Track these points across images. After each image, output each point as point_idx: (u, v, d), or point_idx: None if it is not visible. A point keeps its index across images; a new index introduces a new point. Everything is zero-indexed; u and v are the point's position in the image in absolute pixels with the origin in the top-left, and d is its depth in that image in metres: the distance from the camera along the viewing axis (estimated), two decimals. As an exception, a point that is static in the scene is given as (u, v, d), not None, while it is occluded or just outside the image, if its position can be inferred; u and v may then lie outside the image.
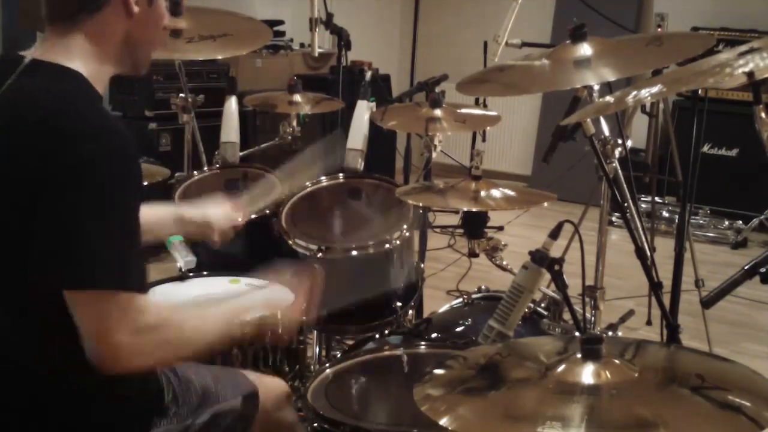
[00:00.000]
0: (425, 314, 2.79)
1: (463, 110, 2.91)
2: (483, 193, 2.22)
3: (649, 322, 3.78)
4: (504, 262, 2.37)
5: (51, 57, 1.44)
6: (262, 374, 1.89)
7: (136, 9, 1.47)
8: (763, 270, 1.55)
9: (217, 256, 2.57)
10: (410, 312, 2.58)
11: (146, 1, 1.49)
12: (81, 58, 1.45)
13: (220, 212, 2.03)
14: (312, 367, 2.49)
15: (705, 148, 5.37)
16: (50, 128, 1.35)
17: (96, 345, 1.33)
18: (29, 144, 1.35)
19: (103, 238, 1.33)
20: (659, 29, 3.83)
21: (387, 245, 2.40)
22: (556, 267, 1.92)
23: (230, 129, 2.89)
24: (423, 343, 2.07)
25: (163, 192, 2.94)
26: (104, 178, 1.34)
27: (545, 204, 2.28)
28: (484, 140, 5.31)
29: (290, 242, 2.46)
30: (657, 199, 4.74)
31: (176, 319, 1.46)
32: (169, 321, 1.43)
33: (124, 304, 1.34)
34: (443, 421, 1.20)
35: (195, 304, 1.75)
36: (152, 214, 1.83)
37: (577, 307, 2.11)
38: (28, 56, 1.45)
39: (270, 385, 1.82)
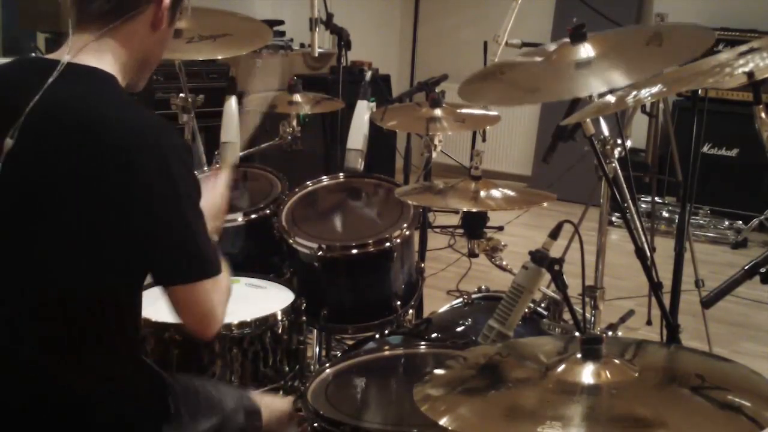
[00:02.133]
0: (425, 314, 2.79)
1: (463, 110, 2.91)
2: (483, 193, 2.22)
3: (649, 322, 3.78)
4: (504, 262, 2.37)
5: (84, 60, 1.45)
6: (266, 394, 1.90)
7: (161, 27, 1.49)
8: (763, 270, 1.55)
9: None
10: (410, 312, 2.58)
11: (169, 20, 1.51)
12: (112, 61, 1.47)
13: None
14: (312, 367, 2.49)
15: (705, 148, 5.37)
16: (104, 134, 1.37)
17: (204, 325, 1.49)
18: (84, 152, 1.37)
19: (199, 231, 1.44)
20: (659, 29, 3.83)
21: (387, 244, 2.40)
22: (556, 267, 1.92)
23: (230, 129, 2.88)
24: (423, 343, 2.07)
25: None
26: (181, 174, 1.40)
27: (545, 204, 2.28)
28: (484, 140, 5.28)
29: (290, 241, 2.46)
30: (657, 199, 4.74)
31: (228, 282, 1.56)
32: (230, 287, 1.56)
33: (221, 285, 1.49)
34: (443, 421, 1.20)
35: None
36: None
37: (577, 307, 2.11)
38: (62, 60, 1.44)
39: (273, 405, 1.83)
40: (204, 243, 1.45)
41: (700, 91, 3.25)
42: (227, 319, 2.05)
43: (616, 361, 1.27)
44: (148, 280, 1.50)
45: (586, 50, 2.08)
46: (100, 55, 1.45)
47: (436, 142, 2.83)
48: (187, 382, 1.69)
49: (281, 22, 5.43)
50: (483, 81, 2.29)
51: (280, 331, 2.17)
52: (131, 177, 1.36)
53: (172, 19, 1.52)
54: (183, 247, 1.43)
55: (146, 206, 1.38)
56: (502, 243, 2.36)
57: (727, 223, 5.35)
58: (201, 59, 4.12)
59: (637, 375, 1.25)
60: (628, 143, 2.37)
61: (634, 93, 1.82)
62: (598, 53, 2.07)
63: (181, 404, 1.62)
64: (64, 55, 1.44)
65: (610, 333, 2.21)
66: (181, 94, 3.20)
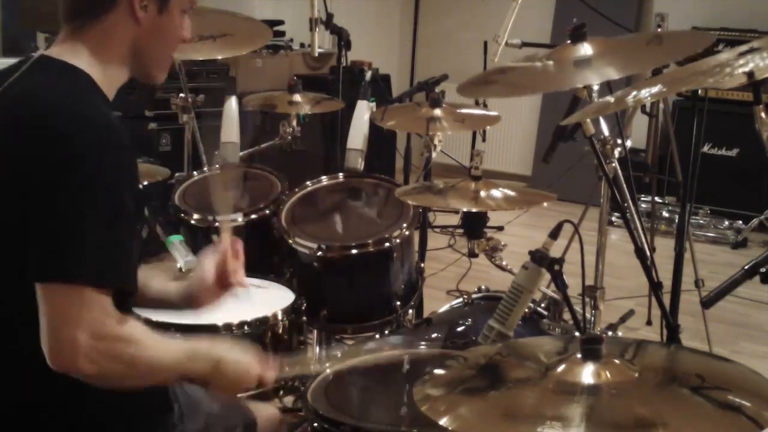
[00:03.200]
0: (425, 314, 2.79)
1: (463, 110, 2.91)
2: (483, 193, 2.22)
3: (649, 322, 3.78)
4: (504, 262, 2.37)
5: (59, 55, 1.46)
6: (256, 401, 1.89)
7: (140, 14, 1.47)
8: (763, 270, 1.55)
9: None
10: (410, 312, 2.58)
11: (155, 10, 1.49)
12: (87, 58, 1.46)
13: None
14: (312, 367, 2.49)
15: (705, 148, 5.37)
16: (43, 123, 1.35)
17: (53, 338, 1.31)
18: (24, 140, 1.36)
19: (83, 233, 1.31)
20: (659, 29, 3.83)
21: (387, 243, 2.40)
22: (556, 267, 1.92)
23: (230, 129, 2.89)
24: (423, 343, 2.07)
25: (163, 192, 2.94)
26: (93, 172, 1.33)
27: (545, 204, 2.28)
28: (484, 140, 5.31)
29: (290, 241, 2.46)
30: (657, 199, 4.74)
31: (144, 341, 1.39)
32: (136, 339, 1.38)
33: (90, 301, 1.31)
34: (443, 421, 1.20)
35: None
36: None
37: (577, 307, 2.11)
38: (38, 53, 1.46)
39: (262, 412, 1.83)
40: (88, 245, 1.30)
41: (700, 91, 3.25)
42: (227, 319, 2.06)
43: (616, 361, 1.27)
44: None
45: (585, 49, 2.09)
46: (76, 50, 1.46)
47: (436, 142, 2.83)
48: (194, 394, 1.69)
49: (281, 22, 5.43)
50: (481, 85, 2.31)
51: (280, 331, 2.17)
52: (63, 161, 1.32)
53: (161, 7, 1.49)
54: (53, 239, 1.30)
55: (51, 196, 1.31)
56: (502, 243, 2.36)
57: (727, 223, 5.35)
58: (201, 59, 4.12)
59: (637, 375, 1.25)
60: (628, 143, 2.37)
61: (634, 93, 1.82)
62: (596, 52, 2.08)
63: (184, 415, 1.62)
64: (48, 50, 1.46)
65: (610, 333, 2.21)
66: (181, 94, 3.20)
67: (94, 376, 1.34)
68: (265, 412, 1.84)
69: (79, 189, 1.32)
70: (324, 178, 2.77)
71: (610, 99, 1.86)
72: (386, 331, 2.29)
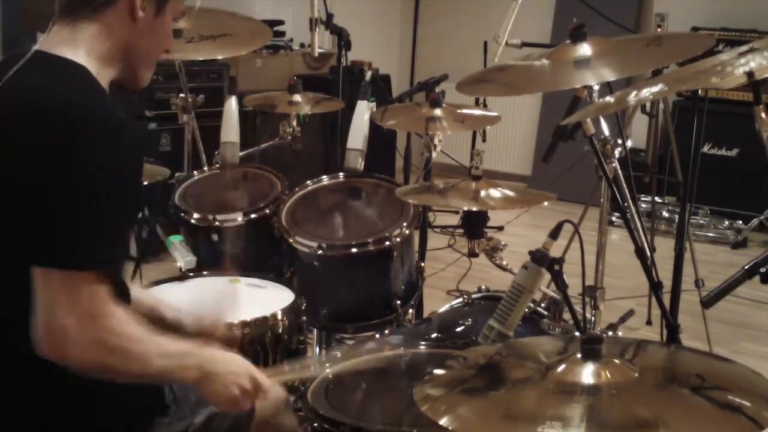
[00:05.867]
0: (425, 314, 2.79)
1: (463, 110, 2.91)
2: (483, 193, 2.22)
3: (649, 322, 3.78)
4: (504, 262, 2.37)
5: (56, 50, 1.45)
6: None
7: (141, 14, 1.48)
8: (763, 270, 1.55)
9: (217, 256, 2.58)
10: (410, 312, 2.58)
11: (153, 11, 1.50)
12: (85, 53, 1.46)
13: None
14: (312, 367, 2.49)
15: (705, 148, 5.37)
16: (49, 118, 1.35)
17: (44, 322, 1.32)
18: (29, 135, 1.35)
19: (84, 221, 1.32)
20: (659, 29, 3.83)
21: (387, 243, 2.40)
22: (556, 267, 1.92)
23: (230, 129, 2.88)
24: (423, 343, 2.07)
25: (163, 192, 2.94)
26: (99, 162, 1.34)
27: (545, 204, 2.28)
28: (484, 140, 5.30)
29: (290, 241, 2.46)
30: (657, 199, 4.74)
31: (137, 336, 1.39)
32: (129, 333, 1.38)
33: (85, 289, 1.32)
34: (443, 421, 1.20)
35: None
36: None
37: (577, 307, 2.11)
38: (33, 48, 1.45)
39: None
40: (88, 233, 1.32)
41: (700, 91, 3.25)
42: (227, 319, 2.06)
43: (616, 361, 1.27)
44: (149, 279, 1.47)
45: (584, 49, 2.09)
46: (73, 45, 1.46)
47: (436, 142, 2.83)
48: None
49: (281, 22, 5.43)
50: (481, 83, 2.31)
51: (280, 331, 2.17)
52: (56, 158, 1.33)
53: (158, 9, 1.51)
54: (54, 225, 1.31)
55: (57, 185, 1.32)
56: (502, 243, 2.36)
57: (727, 223, 5.35)
58: (201, 59, 4.12)
59: (637, 375, 1.25)
60: (628, 143, 2.37)
61: (634, 93, 1.82)
62: (596, 52, 2.08)
63: (177, 396, 1.62)
64: (41, 44, 1.46)
65: (610, 333, 2.21)
66: (181, 94, 3.20)
67: (81, 364, 1.34)
68: (272, 392, 1.84)
69: (83, 178, 1.33)
70: (324, 177, 2.77)
71: (610, 99, 1.86)
72: (386, 331, 2.29)
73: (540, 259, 1.92)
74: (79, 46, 1.46)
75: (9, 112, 1.40)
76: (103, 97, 1.45)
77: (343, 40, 3.84)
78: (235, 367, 1.52)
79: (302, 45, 5.63)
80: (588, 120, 2.05)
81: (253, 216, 2.61)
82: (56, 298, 1.32)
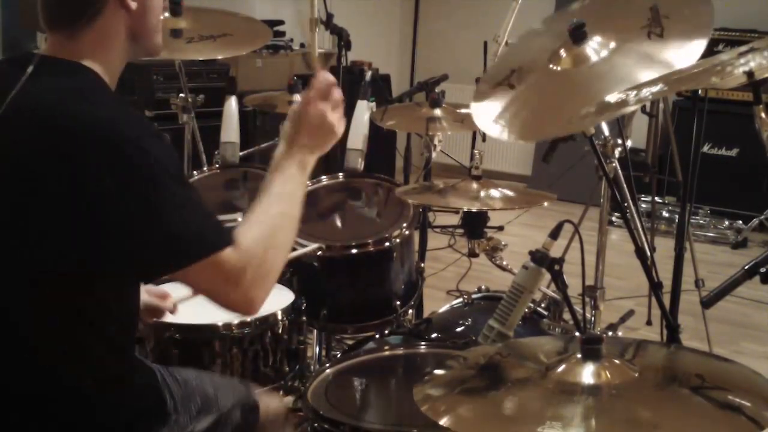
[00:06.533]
0: (425, 314, 2.79)
1: (463, 110, 2.91)
2: (483, 193, 2.23)
3: (649, 322, 3.78)
4: (504, 262, 2.37)
5: (60, 55, 1.44)
6: (263, 391, 1.89)
7: (133, 5, 1.47)
8: (763, 270, 1.55)
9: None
10: (410, 312, 2.58)
11: None
12: (89, 57, 1.45)
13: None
14: (312, 367, 2.49)
15: (705, 148, 5.37)
16: (79, 130, 1.34)
17: (225, 306, 1.44)
18: (60, 148, 1.34)
19: (179, 216, 1.37)
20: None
21: (387, 243, 2.40)
22: (556, 267, 1.93)
23: (230, 129, 2.88)
24: (423, 343, 2.07)
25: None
26: (151, 163, 1.36)
27: (545, 204, 2.28)
28: (484, 140, 5.30)
29: (290, 242, 2.45)
30: (657, 199, 4.73)
31: (260, 240, 1.46)
32: (254, 249, 1.44)
33: (220, 263, 1.39)
34: (443, 421, 1.20)
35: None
36: None
37: (577, 307, 2.11)
38: (37, 55, 1.44)
39: (269, 402, 1.82)
40: (178, 224, 1.37)
41: (700, 91, 3.24)
42: (227, 319, 2.06)
43: (616, 361, 1.27)
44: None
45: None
46: (76, 51, 1.44)
47: (436, 142, 2.83)
48: (186, 377, 1.68)
49: (281, 22, 5.43)
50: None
51: (280, 331, 2.17)
52: (78, 168, 1.32)
53: None
54: (150, 232, 1.36)
55: (97, 198, 1.33)
56: (502, 243, 2.36)
57: (727, 223, 5.35)
58: (201, 59, 4.12)
59: (637, 375, 1.25)
60: (628, 143, 2.37)
61: (634, 93, 1.81)
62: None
63: (178, 404, 1.62)
64: (41, 50, 1.45)
65: (610, 333, 2.21)
66: (181, 94, 3.20)
67: (273, 284, 1.48)
68: (272, 402, 1.84)
69: (165, 188, 1.36)
70: (324, 178, 2.77)
71: (610, 99, 1.86)
72: (386, 331, 2.29)
73: (540, 259, 1.92)
74: (82, 52, 1.44)
75: (26, 124, 1.38)
76: (111, 96, 1.45)
77: (343, 40, 3.84)
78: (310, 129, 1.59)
79: (302, 45, 5.63)
80: (588, 120, 2.04)
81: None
82: (212, 285, 1.42)
